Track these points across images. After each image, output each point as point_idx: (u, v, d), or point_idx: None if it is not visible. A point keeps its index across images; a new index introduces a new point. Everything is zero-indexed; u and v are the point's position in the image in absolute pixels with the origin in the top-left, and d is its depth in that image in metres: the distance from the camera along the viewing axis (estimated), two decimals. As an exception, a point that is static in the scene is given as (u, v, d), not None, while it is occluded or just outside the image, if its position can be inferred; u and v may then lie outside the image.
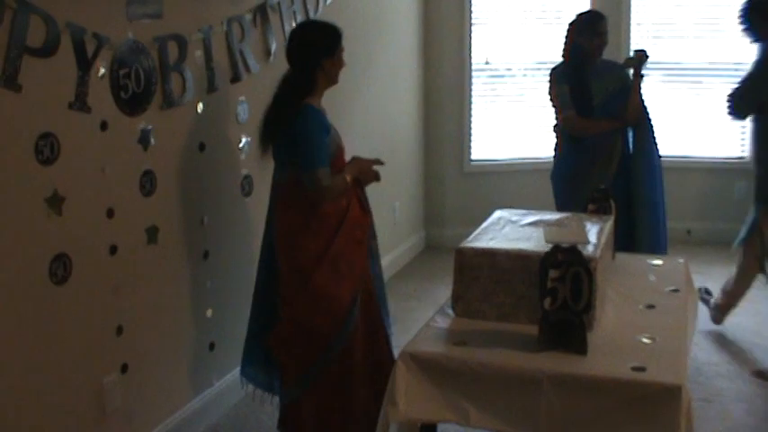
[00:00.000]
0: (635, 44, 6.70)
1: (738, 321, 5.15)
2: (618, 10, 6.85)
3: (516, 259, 2.81)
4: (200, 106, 3.86)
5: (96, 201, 3.26)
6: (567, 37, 4.88)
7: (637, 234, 4.73)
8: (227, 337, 4.18)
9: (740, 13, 4.73)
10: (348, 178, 3.46)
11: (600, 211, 3.39)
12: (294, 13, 4.54)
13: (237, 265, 4.25)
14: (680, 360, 2.55)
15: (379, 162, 3.66)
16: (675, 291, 3.21)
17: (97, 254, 3.28)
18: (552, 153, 5.13)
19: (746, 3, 4.69)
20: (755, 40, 4.71)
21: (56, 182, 3.01)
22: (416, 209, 7.11)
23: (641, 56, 4.82)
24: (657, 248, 4.72)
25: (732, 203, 6.72)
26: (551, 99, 4.97)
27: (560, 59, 4.94)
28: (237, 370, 4.23)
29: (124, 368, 3.45)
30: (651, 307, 3.03)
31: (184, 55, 3.69)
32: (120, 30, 3.29)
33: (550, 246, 2.80)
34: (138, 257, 3.51)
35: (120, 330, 3.40)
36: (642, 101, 4.82)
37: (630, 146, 4.88)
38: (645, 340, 2.69)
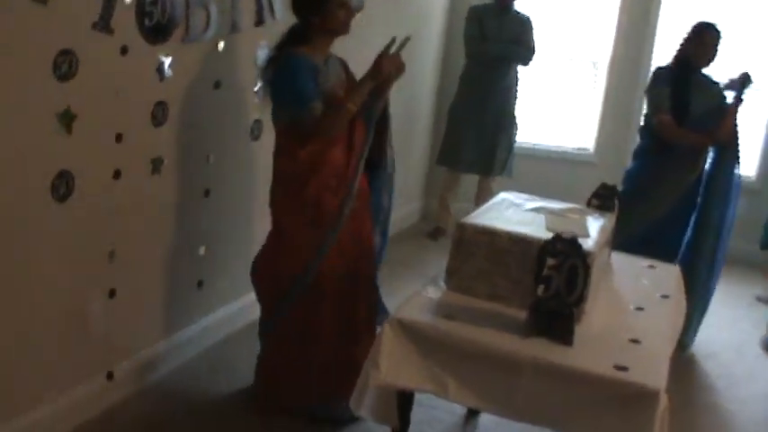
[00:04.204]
0: (658, 56, 6.69)
1: (721, 336, 5.18)
2: (644, 22, 6.84)
3: (516, 242, 2.81)
4: (221, 45, 3.85)
5: (107, 124, 3.25)
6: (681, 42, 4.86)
7: (697, 255, 4.76)
8: (217, 276, 4.20)
9: None
10: (350, 105, 3.34)
11: (603, 208, 3.39)
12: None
13: (237, 206, 4.26)
14: (662, 365, 2.56)
15: (399, 45, 3.42)
16: (666, 297, 3.22)
17: (101, 176, 3.28)
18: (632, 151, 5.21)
19: None
20: None
21: (69, 99, 3.00)
22: (417, 178, 7.11)
23: (745, 78, 4.77)
24: (713, 271, 4.80)
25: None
26: (648, 98, 4.98)
27: (667, 62, 4.93)
28: (222, 309, 4.29)
29: (112, 293, 3.46)
30: (640, 309, 3.04)
31: (213, -9, 3.67)
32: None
33: (551, 233, 2.82)
34: (141, 186, 3.52)
35: (112, 255, 3.41)
36: (736, 123, 4.76)
37: (711, 165, 4.84)
38: (630, 341, 2.70)
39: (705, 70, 4.83)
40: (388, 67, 3.36)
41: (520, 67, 6.46)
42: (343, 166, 3.44)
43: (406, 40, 3.44)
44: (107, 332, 3.48)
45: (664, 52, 6.40)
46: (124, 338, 3.62)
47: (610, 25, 6.91)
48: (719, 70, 4.92)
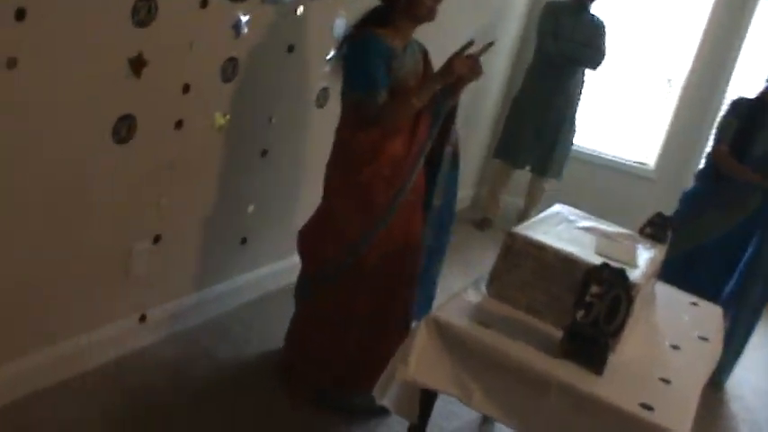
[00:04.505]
0: (736, 85, 6.57)
1: (751, 379, 5.11)
2: (728, 48, 6.68)
3: (564, 260, 2.78)
4: (300, 9, 3.83)
5: (176, 73, 3.27)
6: None
7: (745, 297, 4.75)
8: (262, 235, 4.23)
9: None
10: (415, 101, 3.27)
11: (655, 238, 3.34)
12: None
13: (292, 170, 4.28)
14: (689, 410, 2.53)
15: (481, 49, 3.32)
16: (704, 339, 3.16)
17: (163, 124, 3.31)
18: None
19: None
20: None
21: (143, 45, 3.02)
22: (473, 166, 7.07)
23: None
24: (758, 314, 4.79)
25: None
26: (717, 126, 4.97)
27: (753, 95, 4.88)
28: (262, 269, 4.33)
29: (156, 239, 3.50)
30: (676, 348, 3.00)
31: (300, -44, 3.66)
32: None
33: (599, 258, 2.79)
34: (200, 139, 3.54)
35: (162, 202, 3.45)
36: None
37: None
38: (660, 380, 2.67)
39: None
40: (460, 68, 3.28)
41: (589, 71, 6.38)
42: (402, 157, 3.35)
43: (489, 45, 3.35)
44: (146, 275, 3.53)
45: (744, 82, 6.29)
46: (162, 284, 3.67)
47: (692, 45, 6.77)
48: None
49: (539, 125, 6.35)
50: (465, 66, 3.29)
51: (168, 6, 3.04)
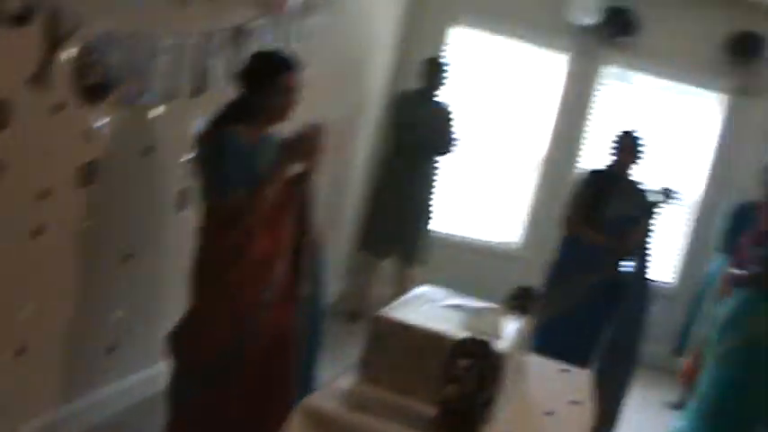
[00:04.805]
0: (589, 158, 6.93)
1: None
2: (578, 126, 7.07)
3: (429, 338, 2.82)
4: (157, 111, 3.83)
5: (32, 180, 3.20)
6: None
7: (613, 361, 4.94)
8: (130, 342, 4.13)
9: None
10: (267, 191, 3.29)
11: (520, 309, 3.43)
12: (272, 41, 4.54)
13: (156, 274, 4.22)
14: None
15: (313, 133, 3.39)
16: (575, 402, 3.25)
17: (20, 232, 3.21)
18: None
19: None
20: None
21: (-4, 151, 2.96)
22: (339, 259, 7.09)
23: (667, 194, 5.04)
24: (627, 377, 4.97)
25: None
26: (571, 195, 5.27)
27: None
28: (130, 377, 4.21)
29: (19, 351, 3.36)
30: (550, 413, 3.07)
31: (154, 57, 3.67)
32: (99, 17, 3.25)
33: (465, 332, 2.84)
34: (61, 246, 3.47)
35: (23, 312, 3.31)
36: (647, 231, 5.00)
37: (625, 271, 5.06)
38: (535, 447, 2.73)
39: (637, 177, 5.15)
40: (292, 155, 3.37)
41: (446, 156, 6.55)
42: (266, 254, 3.36)
43: (316, 127, 3.41)
44: (9, 390, 3.38)
45: (597, 156, 6.65)
46: (28, 399, 3.52)
47: (548, 125, 7.13)
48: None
49: (397, 214, 6.45)
50: (296, 153, 3.37)
51: (22, 110, 2.99)
